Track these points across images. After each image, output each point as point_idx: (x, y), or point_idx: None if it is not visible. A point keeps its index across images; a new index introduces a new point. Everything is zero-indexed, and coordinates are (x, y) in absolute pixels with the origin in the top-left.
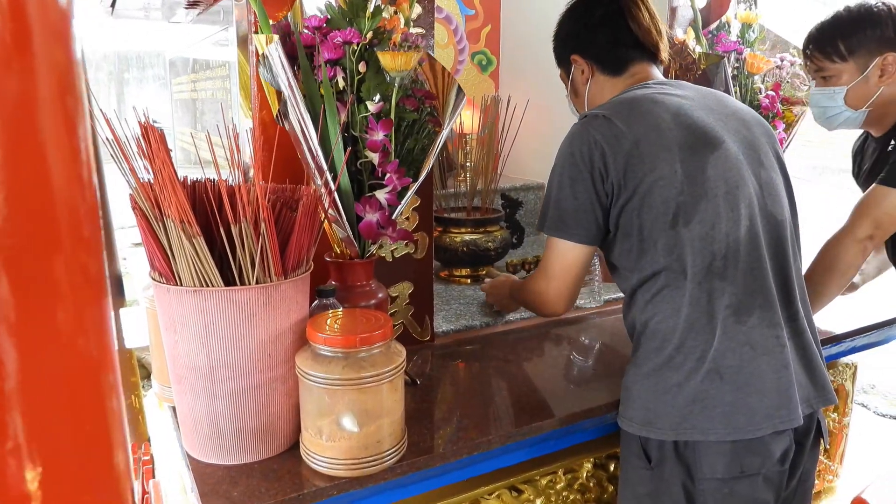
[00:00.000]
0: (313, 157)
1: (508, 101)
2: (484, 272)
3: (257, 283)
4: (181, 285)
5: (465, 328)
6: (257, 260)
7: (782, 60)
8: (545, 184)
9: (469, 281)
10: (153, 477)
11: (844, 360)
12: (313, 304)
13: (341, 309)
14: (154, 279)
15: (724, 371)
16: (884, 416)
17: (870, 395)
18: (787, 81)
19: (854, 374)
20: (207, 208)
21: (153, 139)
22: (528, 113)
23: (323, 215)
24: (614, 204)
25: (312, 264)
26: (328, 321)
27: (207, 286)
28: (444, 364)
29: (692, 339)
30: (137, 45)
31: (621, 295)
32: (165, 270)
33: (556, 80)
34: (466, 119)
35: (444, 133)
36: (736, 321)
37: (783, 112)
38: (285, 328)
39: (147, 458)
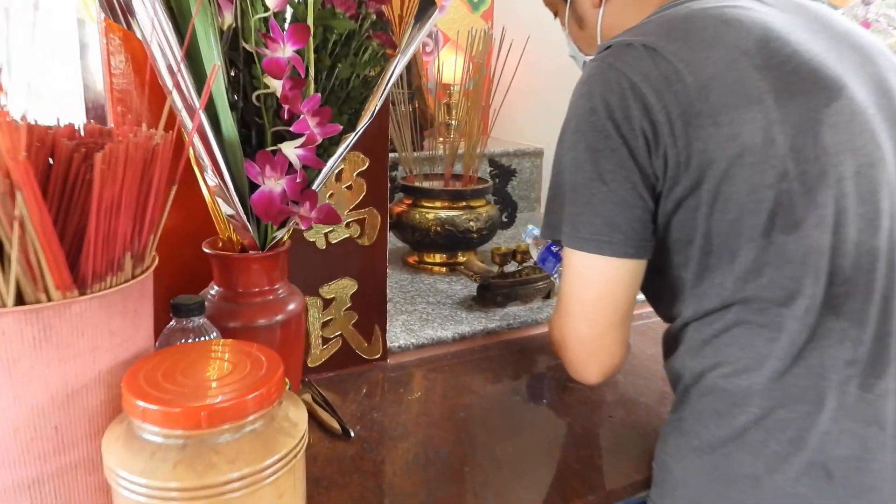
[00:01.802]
0: (176, 84)
1: (502, 36)
2: (463, 259)
3: (18, 303)
4: None
5: (432, 341)
6: (13, 260)
7: None
8: (544, 150)
9: (444, 270)
10: None
11: None
12: (166, 329)
13: (212, 337)
14: None
15: (834, 465)
16: None
17: None
18: (877, 21)
19: None
20: None
21: None
22: (528, 58)
23: (176, 177)
24: (667, 193)
25: (155, 258)
26: (162, 370)
27: None
28: (398, 398)
29: (784, 408)
30: None
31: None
32: None
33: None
34: (450, 66)
35: (402, 60)
36: (860, 385)
37: None
38: (89, 379)
39: None
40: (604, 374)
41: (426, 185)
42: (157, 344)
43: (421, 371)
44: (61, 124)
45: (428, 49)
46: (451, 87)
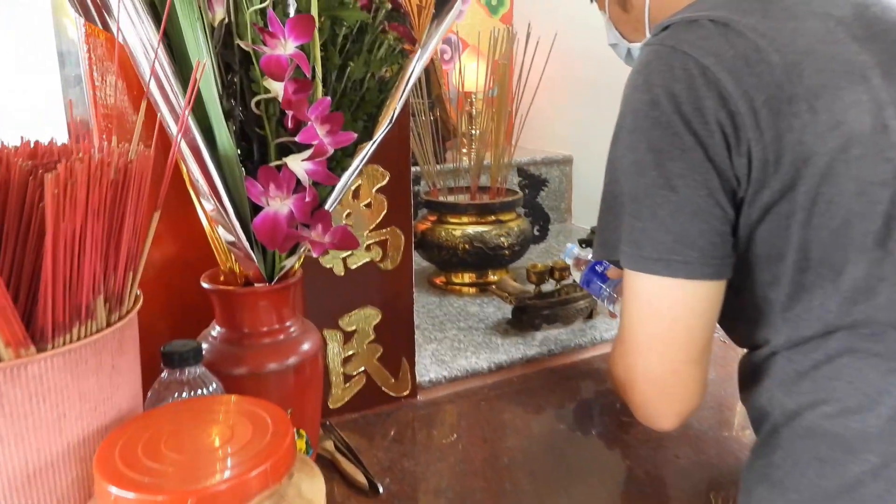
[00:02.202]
0: (160, 87)
1: (527, 36)
2: (495, 279)
3: None
4: None
5: (466, 373)
6: None
7: None
8: (573, 157)
9: (474, 291)
10: None
11: None
12: (156, 384)
13: (211, 389)
14: None
15: None
16: None
17: None
18: None
19: None
20: None
21: None
22: (552, 59)
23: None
24: (751, 199)
25: (139, 299)
26: (144, 441)
27: None
28: (431, 442)
29: None
30: None
31: None
32: None
33: (593, 17)
34: (471, 73)
35: (424, 56)
36: None
37: None
38: (55, 455)
39: None
40: (680, 418)
41: (451, 199)
42: (146, 402)
43: (455, 408)
44: (13, 143)
45: (446, 57)
46: (473, 95)
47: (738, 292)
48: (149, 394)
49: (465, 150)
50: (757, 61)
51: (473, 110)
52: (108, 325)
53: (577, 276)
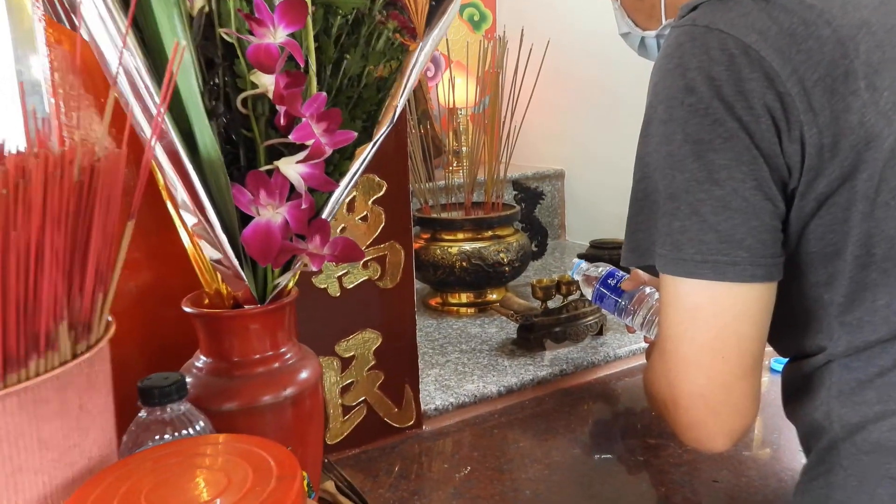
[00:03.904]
0: (131, 83)
1: (520, 44)
2: (493, 298)
3: None
4: None
5: (474, 398)
6: None
7: None
8: (565, 172)
9: (473, 312)
10: None
11: None
12: (133, 425)
13: (198, 429)
14: None
15: None
16: None
17: None
18: None
19: None
20: None
21: None
22: (540, 71)
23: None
24: (804, 190)
25: (111, 326)
26: (120, 496)
27: None
28: (443, 476)
29: None
30: None
31: None
32: None
33: (580, 29)
34: (459, 90)
35: (427, 48)
36: None
37: None
38: None
39: None
40: (733, 437)
41: (445, 215)
42: (122, 448)
43: (466, 437)
44: None
45: (429, 74)
46: (459, 112)
47: (787, 295)
48: (124, 438)
49: (451, 168)
50: (805, 36)
51: (460, 127)
52: (74, 356)
53: (587, 292)
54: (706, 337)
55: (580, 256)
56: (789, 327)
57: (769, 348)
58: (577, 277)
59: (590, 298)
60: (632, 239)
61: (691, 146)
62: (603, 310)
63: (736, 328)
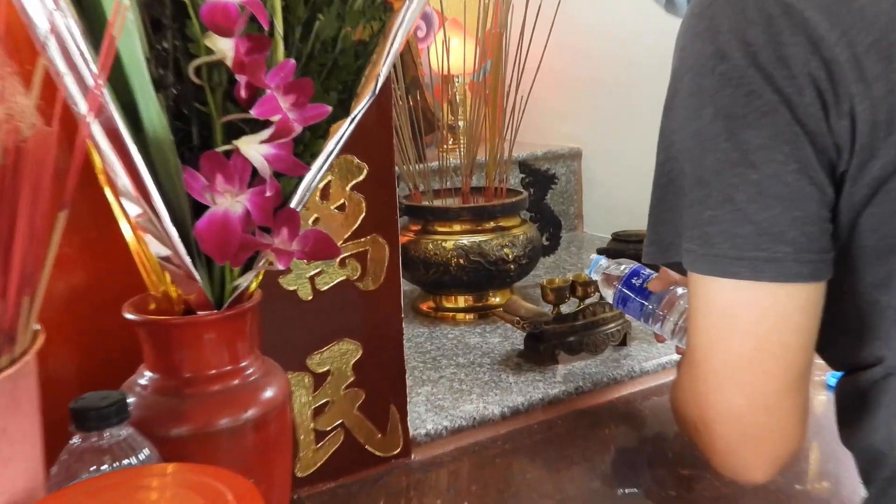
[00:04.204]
0: (64, 50)
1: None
2: (497, 301)
3: None
4: None
5: (473, 422)
6: None
7: None
8: (582, 151)
9: (472, 318)
10: None
11: None
12: (64, 453)
13: (142, 458)
14: None
15: None
16: None
17: None
18: None
19: None
20: None
21: None
22: (556, 36)
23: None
24: (856, 173)
25: (38, 336)
26: None
27: None
28: None
29: None
30: None
31: None
32: None
33: None
34: (456, 54)
35: (414, 7)
36: None
37: None
38: None
39: None
40: (775, 466)
41: (439, 203)
42: (52, 480)
43: (463, 468)
44: None
45: (420, 33)
46: (455, 80)
47: (837, 297)
48: (54, 469)
49: (447, 147)
50: None
51: (457, 98)
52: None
53: (607, 294)
54: (743, 348)
55: (600, 252)
56: (841, 335)
57: (820, 360)
58: (595, 277)
59: (611, 302)
60: (654, 231)
61: (723, 122)
62: (627, 315)
63: (778, 337)
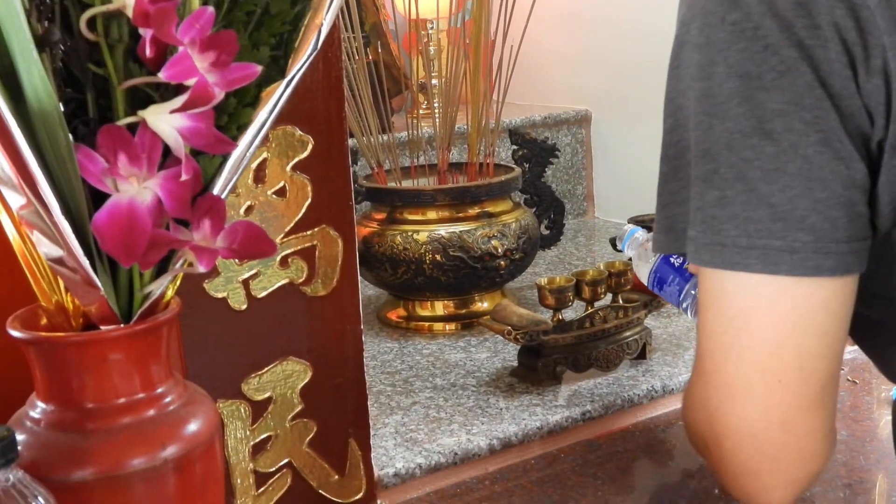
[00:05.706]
0: None
1: None
2: (486, 306)
3: None
4: None
5: (454, 458)
6: None
7: None
8: (591, 114)
9: (453, 328)
10: None
11: None
12: None
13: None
14: None
15: None
16: None
17: None
18: None
19: None
20: None
21: None
22: None
23: None
24: None
25: None
26: None
27: None
28: None
29: None
30: None
31: None
32: None
33: None
34: None
35: None
36: None
37: None
38: None
39: None
40: (794, 490)
41: (408, 184)
42: None
43: None
44: None
45: None
46: (428, 26)
47: (883, 296)
48: None
49: (419, 112)
50: None
51: (431, 48)
52: None
53: (642, 272)
54: (758, 354)
55: (633, 222)
56: (887, 338)
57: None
58: (629, 252)
59: (644, 282)
60: (664, 214)
61: (736, 82)
62: (663, 298)
63: (798, 341)
